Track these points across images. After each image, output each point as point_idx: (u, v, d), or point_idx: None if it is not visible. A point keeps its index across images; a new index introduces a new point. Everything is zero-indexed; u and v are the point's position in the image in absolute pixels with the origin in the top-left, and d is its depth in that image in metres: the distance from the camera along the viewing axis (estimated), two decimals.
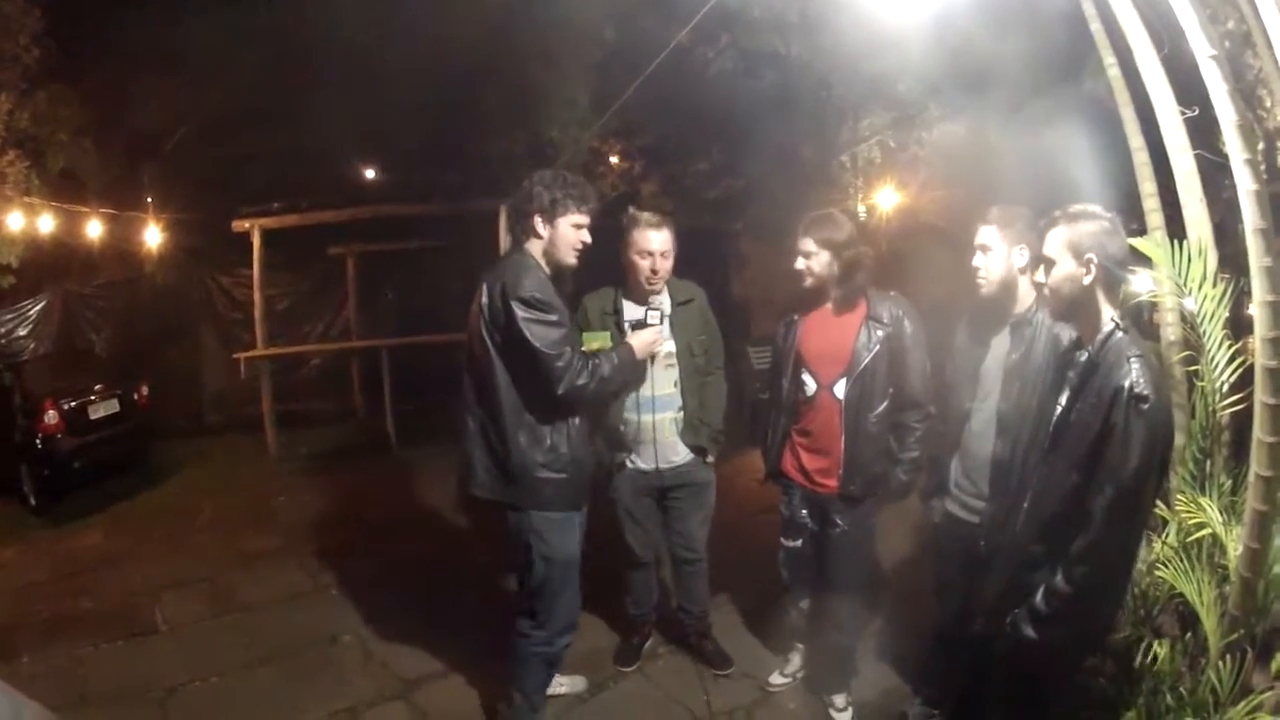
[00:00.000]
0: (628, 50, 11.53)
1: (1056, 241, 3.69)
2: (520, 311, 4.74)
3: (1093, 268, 3.60)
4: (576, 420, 5.10)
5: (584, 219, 5.04)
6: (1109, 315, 3.65)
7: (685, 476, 5.98)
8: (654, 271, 5.60)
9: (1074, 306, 3.72)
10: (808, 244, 5.23)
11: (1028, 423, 4.46)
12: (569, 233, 5.01)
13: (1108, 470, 3.45)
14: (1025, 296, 4.67)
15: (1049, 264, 3.73)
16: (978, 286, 4.71)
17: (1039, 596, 3.69)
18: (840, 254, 5.19)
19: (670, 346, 5.80)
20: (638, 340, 5.28)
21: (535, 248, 5.05)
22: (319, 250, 16.74)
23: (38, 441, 11.87)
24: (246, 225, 14.45)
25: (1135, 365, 3.44)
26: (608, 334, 5.52)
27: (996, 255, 4.60)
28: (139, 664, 7.07)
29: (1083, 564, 3.53)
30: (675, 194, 15.72)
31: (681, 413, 5.89)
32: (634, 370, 5.32)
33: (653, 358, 5.58)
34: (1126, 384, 3.41)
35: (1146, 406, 3.37)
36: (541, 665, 5.36)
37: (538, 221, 4.99)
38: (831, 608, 5.66)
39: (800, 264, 5.27)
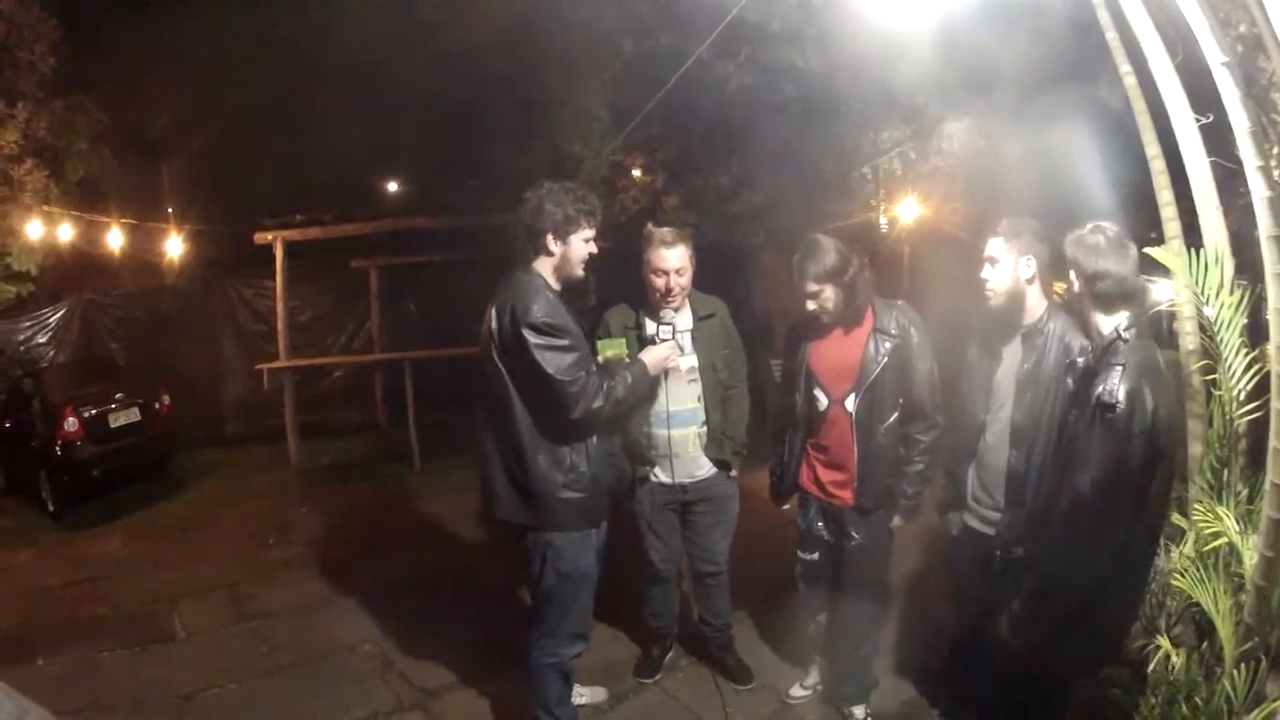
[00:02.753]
0: (648, 65, 11.55)
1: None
2: (532, 338, 4.68)
3: (1071, 280, 3.67)
4: (595, 438, 5.05)
5: (591, 235, 5.00)
6: (1112, 325, 3.66)
7: (707, 490, 5.94)
8: (669, 289, 5.54)
9: (1079, 318, 3.75)
10: (810, 286, 5.16)
11: (1041, 432, 4.47)
12: (580, 248, 4.96)
13: (1067, 478, 3.46)
14: (1035, 307, 4.67)
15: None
16: (987, 298, 4.72)
17: (1017, 601, 3.77)
18: (841, 280, 5.14)
19: (692, 361, 5.77)
20: (650, 357, 5.26)
21: (545, 265, 4.97)
22: (342, 262, 16.78)
23: (57, 448, 11.92)
24: (269, 237, 14.45)
25: (1115, 373, 3.47)
26: (624, 340, 5.46)
27: (1003, 267, 4.62)
28: (156, 670, 7.09)
29: (1035, 571, 3.56)
30: (697, 207, 15.73)
31: (705, 428, 5.85)
32: (647, 388, 5.32)
33: (666, 374, 5.56)
34: (1099, 391, 3.45)
35: (1111, 415, 3.39)
36: (556, 676, 5.29)
37: (550, 240, 4.91)
38: (848, 620, 5.65)
39: (812, 306, 5.21)
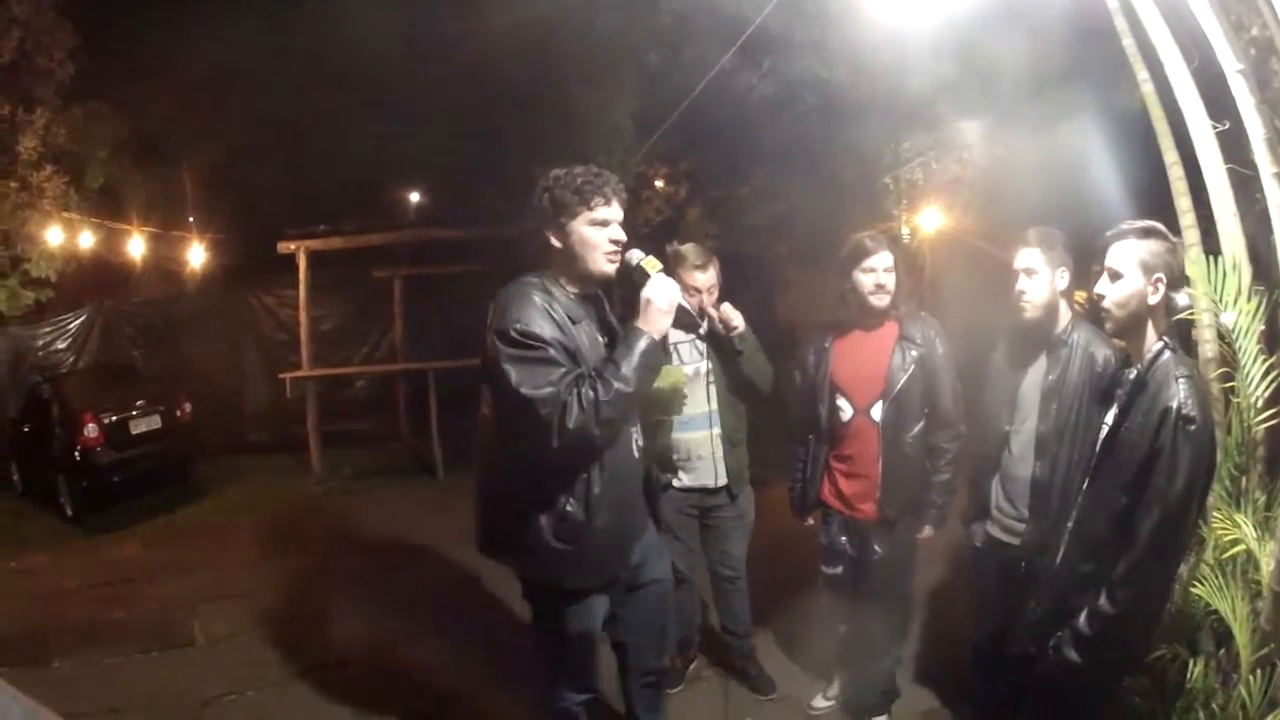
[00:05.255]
0: (672, 76, 11.61)
1: (1127, 256, 3.61)
2: (502, 347, 3.92)
3: (1160, 287, 3.56)
4: (597, 479, 4.15)
5: (607, 214, 4.11)
6: (1158, 334, 3.63)
7: (727, 495, 5.96)
8: (701, 309, 5.53)
9: (1134, 323, 3.68)
10: (888, 258, 5.15)
11: (1066, 443, 4.47)
12: (590, 235, 4.11)
13: (1155, 491, 3.43)
14: (1061, 317, 4.67)
15: (1114, 276, 3.68)
16: (1021, 310, 4.67)
17: (1082, 619, 3.67)
18: (897, 272, 5.19)
19: (707, 365, 5.79)
20: (648, 313, 4.08)
21: (558, 266, 4.24)
22: (364, 272, 16.88)
23: (76, 454, 12.06)
24: (292, 247, 14.55)
25: (1183, 386, 3.45)
26: (680, 370, 5.31)
27: (1040, 279, 4.58)
28: (173, 675, 7.13)
29: (1127, 585, 3.51)
30: (719, 218, 15.76)
31: (721, 429, 5.87)
32: (655, 357, 4.09)
33: (709, 380, 5.58)
34: (1174, 405, 3.42)
35: (1193, 428, 3.37)
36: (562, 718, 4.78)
37: (549, 236, 4.17)
38: (872, 632, 5.63)
39: (885, 280, 5.15)
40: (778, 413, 6.25)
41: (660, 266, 4.24)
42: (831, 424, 5.49)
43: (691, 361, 5.77)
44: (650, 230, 15.66)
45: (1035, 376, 4.74)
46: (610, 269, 4.17)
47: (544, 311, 4.02)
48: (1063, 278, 4.57)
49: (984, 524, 5.08)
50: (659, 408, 4.82)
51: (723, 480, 5.88)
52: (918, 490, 5.35)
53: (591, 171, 4.16)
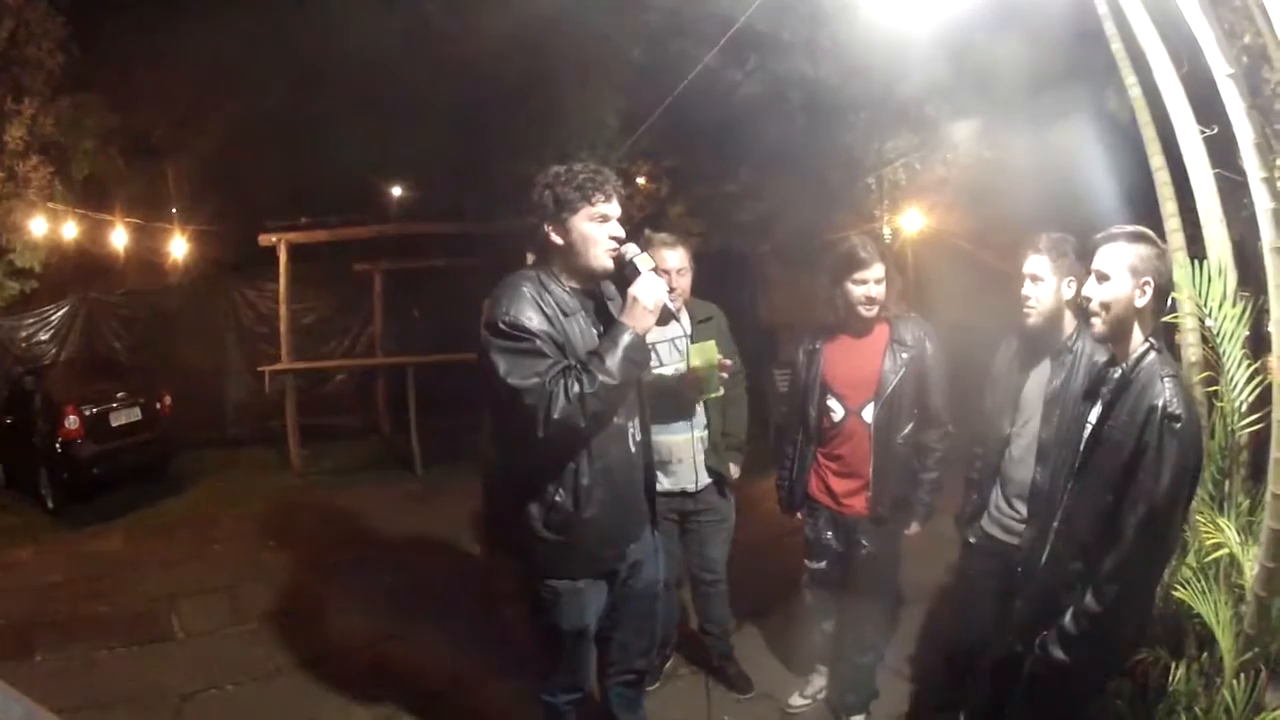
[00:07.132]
0: (656, 72, 11.56)
1: (1116, 259, 3.64)
2: (491, 339, 3.97)
3: (1148, 291, 3.60)
4: (585, 470, 4.18)
5: (607, 210, 4.13)
6: (1143, 336, 3.65)
7: (707, 499, 5.94)
8: (670, 289, 5.42)
9: (1120, 326, 3.70)
10: (880, 270, 5.18)
11: (1068, 450, 4.46)
12: (592, 231, 4.11)
13: (1140, 489, 3.46)
14: (1066, 324, 4.69)
15: (1102, 278, 3.71)
16: (1025, 315, 4.70)
17: (1068, 618, 3.69)
18: (889, 273, 5.23)
19: (687, 366, 5.67)
20: (633, 310, 4.10)
21: (557, 261, 4.23)
22: (345, 266, 16.80)
23: (57, 446, 12.04)
24: (273, 239, 14.50)
25: (1168, 385, 3.48)
26: (713, 343, 5.21)
27: (1047, 286, 4.61)
28: (154, 669, 7.10)
29: (1114, 582, 3.53)
30: (703, 215, 15.73)
31: (705, 432, 5.84)
32: (640, 352, 4.12)
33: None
34: (1159, 403, 3.45)
35: (1179, 425, 3.40)
36: (551, 715, 4.78)
37: (550, 232, 4.15)
38: (856, 627, 5.66)
39: (876, 291, 5.21)
40: (757, 410, 6.25)
41: (653, 265, 4.25)
42: (822, 424, 5.53)
43: (670, 362, 5.74)
44: (632, 227, 15.59)
45: (1038, 381, 4.78)
46: (609, 264, 4.20)
47: (534, 303, 4.07)
48: (1070, 287, 4.57)
49: (981, 523, 5.11)
50: (696, 387, 5.13)
51: (704, 483, 5.86)
52: (907, 488, 5.40)
53: (591, 168, 4.17)
